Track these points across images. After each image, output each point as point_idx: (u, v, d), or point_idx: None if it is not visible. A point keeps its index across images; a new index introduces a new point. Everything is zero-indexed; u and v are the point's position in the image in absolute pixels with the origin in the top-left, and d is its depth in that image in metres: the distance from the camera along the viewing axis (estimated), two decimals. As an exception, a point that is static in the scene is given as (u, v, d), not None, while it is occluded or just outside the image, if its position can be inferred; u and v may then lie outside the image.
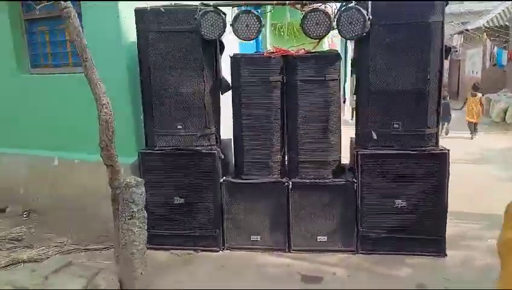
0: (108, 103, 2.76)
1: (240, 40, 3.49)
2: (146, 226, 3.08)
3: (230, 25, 3.46)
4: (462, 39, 17.29)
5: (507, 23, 13.67)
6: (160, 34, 3.51)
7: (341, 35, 3.38)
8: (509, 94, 11.77)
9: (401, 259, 3.54)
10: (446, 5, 3.23)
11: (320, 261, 3.57)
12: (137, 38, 3.59)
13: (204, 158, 3.65)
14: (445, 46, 3.36)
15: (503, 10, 14.26)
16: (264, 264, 3.56)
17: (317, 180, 3.59)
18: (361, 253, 3.63)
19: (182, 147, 3.67)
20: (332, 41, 7.67)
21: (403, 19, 3.27)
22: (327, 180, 3.58)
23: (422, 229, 3.51)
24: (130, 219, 2.95)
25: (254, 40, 6.47)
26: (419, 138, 3.42)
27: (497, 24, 14.04)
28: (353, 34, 3.32)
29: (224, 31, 3.47)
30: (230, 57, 3.60)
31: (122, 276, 3.04)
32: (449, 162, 3.40)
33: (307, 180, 3.60)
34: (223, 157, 3.71)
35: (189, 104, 3.61)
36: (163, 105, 3.63)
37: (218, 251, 3.79)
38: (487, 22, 14.43)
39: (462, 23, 17.05)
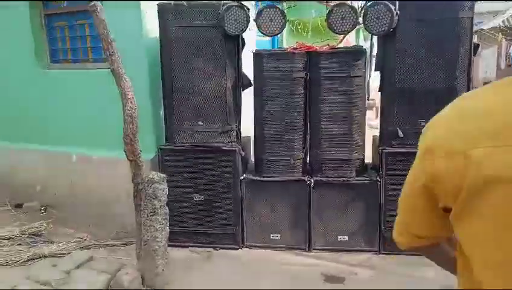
0: (133, 97, 2.73)
1: (261, 35, 3.44)
2: (168, 223, 3.06)
3: (254, 20, 3.42)
4: (477, 39, 17.08)
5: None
6: (183, 29, 3.47)
7: (368, 31, 3.32)
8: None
9: (424, 261, 3.44)
10: (476, 0, 3.15)
11: (341, 261, 3.50)
12: (160, 33, 3.55)
13: (225, 155, 3.61)
14: (474, 43, 3.28)
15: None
16: (285, 263, 3.51)
17: (339, 179, 3.53)
18: (383, 253, 3.57)
19: (202, 143, 3.63)
20: (347, 39, 7.60)
21: (431, 15, 3.20)
22: (350, 179, 3.52)
23: (447, 230, 3.43)
24: (152, 215, 2.92)
25: (270, 38, 6.45)
26: (445, 136, 3.34)
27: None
28: (380, 30, 3.26)
29: (248, 26, 3.42)
30: (253, 53, 3.55)
31: (144, 272, 3.02)
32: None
33: (329, 179, 3.54)
34: (244, 154, 3.66)
35: (211, 100, 3.57)
36: (184, 101, 3.59)
37: (237, 249, 3.74)
38: (503, 21, 14.19)
39: (477, 23, 16.84)
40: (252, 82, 3.65)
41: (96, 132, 4.19)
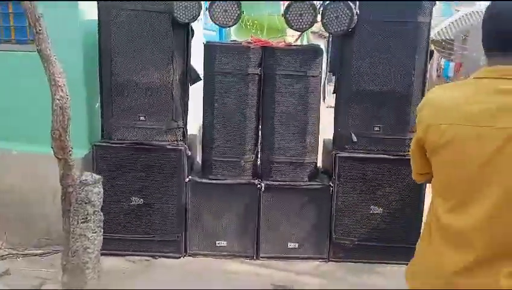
0: (64, 84, 2.34)
1: (208, 28, 3.17)
2: (102, 231, 2.68)
3: (207, 9, 3.14)
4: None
5: (452, 37, 14.35)
6: (126, 13, 3.10)
7: (326, 30, 3.17)
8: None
9: (373, 268, 3.40)
10: (433, 6, 3.12)
11: (290, 270, 3.33)
12: (98, 15, 3.15)
13: (170, 154, 3.29)
14: (430, 49, 3.26)
15: (451, 23, 14.95)
16: (232, 272, 3.26)
17: (291, 183, 3.35)
18: (332, 260, 3.45)
19: (144, 141, 3.27)
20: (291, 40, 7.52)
21: (390, 17, 3.12)
22: (302, 184, 3.36)
23: (396, 237, 3.38)
24: (83, 222, 2.54)
25: (218, 31, 6.17)
26: (399, 142, 3.29)
27: (443, 37, 14.69)
28: (339, 29, 3.13)
29: (199, 15, 3.13)
30: (205, 45, 3.27)
31: (70, 288, 2.61)
32: (427, 169, 3.31)
33: (281, 183, 3.35)
34: (190, 154, 3.36)
35: (156, 94, 3.22)
36: (125, 93, 3.21)
37: (179, 257, 3.43)
38: (434, 34, 15.07)
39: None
40: (202, 76, 3.37)
41: (18, 124, 3.64)
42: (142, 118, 3.25)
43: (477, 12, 13.96)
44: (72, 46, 3.23)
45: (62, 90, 2.31)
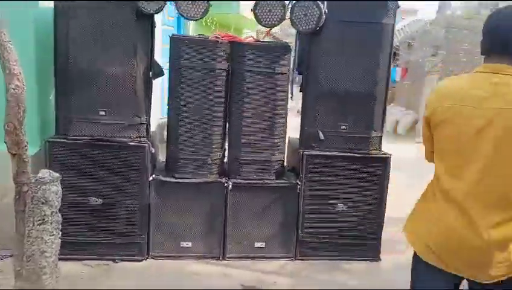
0: (20, 73, 2.12)
1: (167, 24, 3.04)
2: (60, 233, 2.47)
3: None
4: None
5: (398, 43, 15.06)
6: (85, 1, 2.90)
7: (294, 27, 3.16)
8: (399, 108, 12.89)
9: (338, 264, 3.42)
10: (398, 8, 3.21)
11: (258, 269, 3.28)
12: (55, 2, 2.92)
13: (132, 152, 3.11)
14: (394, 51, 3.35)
15: (397, 30, 15.68)
16: (198, 274, 3.15)
17: (259, 181, 3.30)
18: (299, 259, 3.43)
19: (104, 137, 3.07)
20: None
21: (357, 17, 3.17)
22: (270, 182, 3.31)
23: (361, 234, 3.44)
24: (40, 223, 2.32)
25: (176, 26, 6.00)
26: (364, 140, 3.34)
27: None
28: (307, 27, 3.12)
29: (165, 5, 3.00)
30: (170, 38, 3.13)
31: (25, 297, 2.38)
32: (390, 167, 3.39)
33: (249, 181, 3.29)
34: (153, 151, 3.21)
35: (117, 87, 3.04)
36: (83, 86, 3.00)
37: (141, 261, 3.26)
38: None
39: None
40: (166, 70, 3.23)
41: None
42: (102, 112, 3.05)
43: (420, 20, 14.78)
44: (22, 32, 2.96)
45: (18, 79, 2.09)
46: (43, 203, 2.29)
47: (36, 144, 3.15)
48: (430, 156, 1.68)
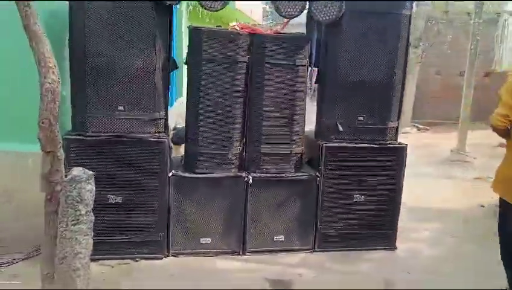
0: (55, 66, 2.02)
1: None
2: (92, 233, 2.39)
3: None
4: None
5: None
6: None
7: (314, 18, 3.14)
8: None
9: (357, 255, 3.46)
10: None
11: (279, 263, 3.27)
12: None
13: (151, 148, 3.04)
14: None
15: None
16: (222, 271, 3.11)
17: (279, 175, 3.28)
18: (317, 251, 3.45)
19: (123, 133, 2.98)
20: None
21: (375, 8, 3.18)
22: (289, 175, 3.31)
23: (377, 223, 3.48)
24: (75, 224, 2.23)
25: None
26: (381, 131, 3.38)
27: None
28: (327, 17, 3.12)
29: (184, -4, 2.93)
30: (190, 29, 3.06)
31: (57, 300, 2.29)
32: (406, 156, 3.45)
33: (268, 175, 3.27)
34: (172, 147, 3.14)
35: (136, 82, 2.95)
36: (101, 81, 2.89)
37: (161, 258, 3.19)
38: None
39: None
40: (184, 63, 3.16)
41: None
42: (121, 108, 2.96)
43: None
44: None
45: (53, 72, 2.00)
46: (77, 202, 2.21)
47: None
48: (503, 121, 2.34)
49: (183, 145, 3.48)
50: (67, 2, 2.83)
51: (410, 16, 3.27)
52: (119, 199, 3.04)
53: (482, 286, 3.00)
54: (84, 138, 2.92)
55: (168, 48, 3.06)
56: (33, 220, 3.10)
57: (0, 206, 3.14)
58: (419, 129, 10.49)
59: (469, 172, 6.42)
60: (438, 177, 6.10)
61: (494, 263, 3.29)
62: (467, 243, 3.78)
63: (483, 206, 4.84)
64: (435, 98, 10.92)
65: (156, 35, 2.93)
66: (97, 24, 2.82)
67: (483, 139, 8.82)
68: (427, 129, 10.75)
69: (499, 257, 3.14)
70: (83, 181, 2.21)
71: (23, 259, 3.07)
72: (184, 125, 4.21)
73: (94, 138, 2.94)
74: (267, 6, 11.99)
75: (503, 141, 2.58)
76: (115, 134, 2.96)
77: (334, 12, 3.09)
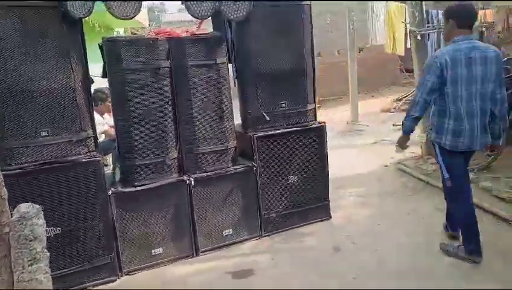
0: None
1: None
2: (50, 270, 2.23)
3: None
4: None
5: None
6: (3, 10, 2.54)
7: (225, 16, 3.24)
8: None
9: (300, 230, 3.72)
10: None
11: (234, 255, 3.38)
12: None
13: (86, 169, 2.89)
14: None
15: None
16: (182, 277, 3.11)
17: (218, 171, 3.37)
18: (264, 236, 3.63)
19: (52, 159, 2.78)
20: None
21: (278, 2, 3.40)
22: (228, 169, 3.41)
23: (312, 198, 3.78)
24: (32, 263, 2.07)
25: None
26: (302, 114, 3.65)
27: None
28: (237, 15, 3.25)
29: (93, 7, 2.81)
30: (105, 41, 2.94)
31: None
32: (326, 133, 3.78)
33: (209, 173, 3.33)
34: (107, 164, 3.02)
35: (56, 102, 2.76)
36: (17, 107, 2.65)
37: (115, 280, 3.08)
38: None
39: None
40: (101, 76, 3.04)
41: None
42: (44, 133, 2.74)
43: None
44: None
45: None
46: (31, 240, 2.05)
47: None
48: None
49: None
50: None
51: (310, 5, 3.56)
52: (57, 231, 2.84)
53: (413, 234, 3.48)
54: (8, 172, 2.65)
55: (85, 62, 2.91)
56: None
57: None
58: (312, 108, 11.28)
59: (366, 138, 7.18)
60: (343, 147, 6.72)
61: (410, 211, 3.83)
62: (385, 198, 4.31)
63: (386, 166, 5.51)
64: (319, 77, 11.84)
65: (69, 50, 2.77)
66: (1, 43, 2.56)
67: (369, 108, 9.93)
68: (319, 107, 11.61)
69: (414, 205, 3.67)
70: (34, 217, 2.06)
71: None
72: (102, 140, 4.07)
73: (19, 170, 2.69)
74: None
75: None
76: (42, 162, 2.74)
77: (244, 10, 3.23)
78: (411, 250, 3.20)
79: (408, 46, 6.71)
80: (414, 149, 5.40)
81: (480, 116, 2.76)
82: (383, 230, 3.60)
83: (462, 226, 3.04)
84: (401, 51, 7.73)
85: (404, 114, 3.06)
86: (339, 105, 11.30)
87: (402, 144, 3.06)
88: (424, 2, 4.84)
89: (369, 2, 7.72)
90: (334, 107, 11.14)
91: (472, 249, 2.89)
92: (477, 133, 2.78)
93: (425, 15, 4.84)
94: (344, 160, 5.76)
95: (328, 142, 3.80)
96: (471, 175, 4.45)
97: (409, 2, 5.16)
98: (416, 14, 4.76)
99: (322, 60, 11.95)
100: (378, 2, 7.58)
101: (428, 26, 4.83)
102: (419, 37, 4.84)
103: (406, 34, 7.00)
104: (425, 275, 2.86)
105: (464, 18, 2.77)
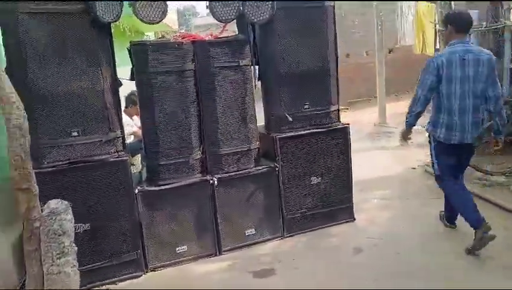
0: (19, 100, 1.95)
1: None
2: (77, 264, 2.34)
3: (129, 5, 2.94)
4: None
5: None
6: (38, 16, 2.69)
7: (248, 19, 3.29)
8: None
9: (323, 232, 3.72)
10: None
11: (256, 255, 3.41)
12: (0, 21, 2.66)
13: (114, 168, 3.00)
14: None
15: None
16: (204, 274, 3.18)
17: (241, 172, 3.42)
18: (287, 236, 3.64)
19: (82, 158, 2.91)
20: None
21: (301, 2, 3.42)
22: (251, 170, 3.45)
23: (336, 200, 3.77)
24: (60, 257, 2.19)
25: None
26: (326, 115, 3.65)
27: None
28: (261, 18, 3.29)
29: (121, 12, 2.92)
30: (132, 45, 3.06)
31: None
32: (350, 135, 3.76)
33: (231, 173, 3.39)
34: (134, 164, 3.12)
35: (87, 103, 2.89)
36: (50, 108, 2.79)
37: (141, 276, 3.18)
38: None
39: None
40: (129, 79, 3.15)
41: None
42: (74, 133, 2.88)
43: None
44: None
45: (18, 107, 1.93)
46: (60, 235, 2.17)
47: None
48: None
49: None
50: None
51: (334, 6, 3.56)
52: (87, 226, 2.96)
53: (436, 237, 3.42)
54: (41, 170, 2.79)
55: (113, 65, 3.03)
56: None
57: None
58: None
59: (394, 140, 7.05)
60: (370, 149, 6.65)
61: (435, 214, 3.75)
62: (410, 201, 4.24)
63: (414, 168, 5.41)
64: (347, 79, 11.71)
65: (99, 54, 2.89)
66: (36, 47, 2.71)
67: (397, 110, 9.75)
68: (347, 109, 11.51)
69: (440, 208, 3.62)
70: (62, 212, 2.17)
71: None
72: (131, 141, 4.20)
73: (51, 168, 2.83)
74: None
75: None
76: (73, 161, 2.88)
77: (267, 13, 3.27)
78: (434, 253, 3.15)
79: (437, 46, 6.56)
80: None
81: (472, 112, 3.06)
82: (406, 233, 3.55)
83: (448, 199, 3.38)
84: (430, 52, 7.56)
85: None
86: (367, 107, 11.15)
87: (405, 136, 3.41)
88: (453, 2, 4.73)
89: (398, 2, 7.59)
90: (362, 109, 11.00)
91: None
92: (468, 128, 3.08)
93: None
94: (370, 162, 5.70)
95: (354, 144, 3.79)
96: (503, 179, 4.33)
97: (438, 1, 5.06)
98: (445, 13, 4.65)
99: (350, 61, 11.82)
100: (407, 1, 7.44)
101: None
102: (448, 37, 4.71)
103: (435, 35, 6.85)
104: (448, 279, 2.80)
105: (461, 24, 3.12)
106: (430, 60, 3.15)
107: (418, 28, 7.50)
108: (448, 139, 3.12)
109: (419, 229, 3.58)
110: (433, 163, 3.34)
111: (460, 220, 3.32)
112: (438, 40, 6.52)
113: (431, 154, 3.35)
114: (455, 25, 3.12)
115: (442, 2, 4.74)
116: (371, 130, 8.05)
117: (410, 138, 3.43)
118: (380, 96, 7.98)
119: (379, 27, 7.39)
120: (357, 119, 9.42)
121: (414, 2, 7.46)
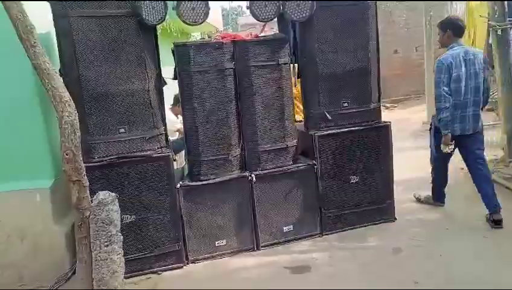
0: (70, 99, 2.12)
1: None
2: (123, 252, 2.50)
3: (173, 8, 3.08)
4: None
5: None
6: (88, 20, 2.88)
7: (288, 18, 3.33)
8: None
9: (362, 231, 3.68)
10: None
11: (294, 251, 3.45)
12: (55, 25, 2.87)
13: (157, 163, 3.15)
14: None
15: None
16: (243, 268, 3.26)
17: (279, 169, 3.47)
18: (325, 234, 3.65)
19: (128, 153, 3.09)
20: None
21: (340, 1, 3.41)
22: (289, 167, 3.50)
23: (376, 199, 3.72)
24: (107, 245, 2.35)
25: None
26: (365, 113, 3.62)
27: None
28: (301, 16, 3.32)
29: (166, 15, 3.06)
30: (176, 46, 3.19)
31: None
32: (391, 133, 3.70)
33: (270, 170, 3.45)
34: (176, 159, 3.27)
35: (133, 102, 3.06)
36: (99, 107, 2.99)
37: (182, 267, 3.32)
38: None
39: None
40: (173, 78, 3.29)
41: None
42: (122, 130, 3.06)
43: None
44: (14, 63, 2.88)
45: (69, 105, 2.10)
46: (107, 224, 2.32)
47: (49, 175, 3.12)
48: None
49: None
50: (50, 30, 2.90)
51: (376, 3, 3.52)
52: (132, 218, 3.14)
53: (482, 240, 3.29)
54: (91, 164, 3.00)
55: (158, 66, 3.18)
56: (49, 258, 3.16)
57: (14, 245, 3.15)
58: (387, 108, 10.93)
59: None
60: (416, 148, 6.44)
61: (482, 216, 3.61)
62: (456, 203, 4.09)
63: (462, 168, 5.19)
64: (396, 76, 11.40)
65: (145, 55, 3.05)
66: (87, 49, 2.91)
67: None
68: (395, 107, 11.23)
69: (485, 210, 3.50)
70: (110, 203, 2.33)
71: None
72: (175, 138, 4.37)
73: (101, 163, 3.03)
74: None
75: None
76: (120, 156, 3.06)
77: (307, 11, 3.29)
78: (479, 257, 3.04)
79: (490, 42, 6.24)
80: (496, 152, 5.07)
81: (473, 107, 3.47)
82: (450, 235, 3.45)
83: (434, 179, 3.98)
84: (480, 47, 7.20)
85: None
86: (416, 104, 10.81)
87: (447, 142, 3.54)
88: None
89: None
90: (411, 107, 10.69)
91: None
92: (468, 120, 3.49)
93: (506, 8, 4.48)
94: (416, 161, 5.53)
95: (399, 143, 3.73)
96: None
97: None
98: (496, 7, 4.44)
99: (399, 58, 11.49)
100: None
101: (510, 20, 4.47)
102: (499, 32, 4.51)
103: (487, 30, 6.51)
104: (492, 285, 2.70)
105: (458, 28, 3.52)
106: (440, 61, 3.48)
107: (469, 24, 7.16)
108: (451, 131, 3.49)
109: (465, 231, 3.47)
110: (431, 150, 3.91)
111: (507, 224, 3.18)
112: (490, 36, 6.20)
113: (430, 143, 3.91)
114: (453, 29, 3.51)
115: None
116: (419, 128, 7.80)
117: (451, 144, 3.55)
118: (429, 93, 7.70)
119: (427, 22, 7.14)
120: (404, 117, 9.17)
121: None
